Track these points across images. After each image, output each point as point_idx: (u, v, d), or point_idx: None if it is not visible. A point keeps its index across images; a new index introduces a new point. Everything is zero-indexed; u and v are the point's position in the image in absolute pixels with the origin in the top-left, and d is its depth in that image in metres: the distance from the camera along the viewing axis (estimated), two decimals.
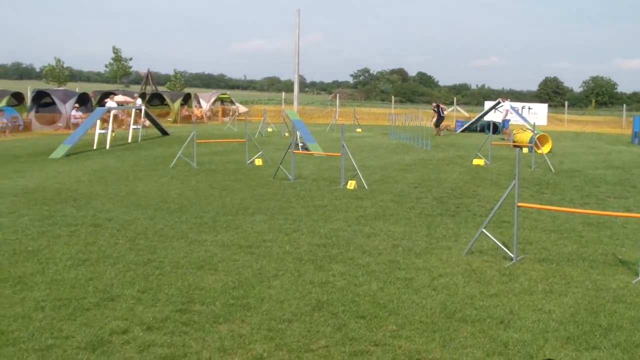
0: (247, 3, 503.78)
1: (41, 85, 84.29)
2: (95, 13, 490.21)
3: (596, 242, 12.72)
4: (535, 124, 35.25)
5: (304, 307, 8.53)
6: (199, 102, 61.67)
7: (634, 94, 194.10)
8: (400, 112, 69.51)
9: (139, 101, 44.72)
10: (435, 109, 48.30)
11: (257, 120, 51.22)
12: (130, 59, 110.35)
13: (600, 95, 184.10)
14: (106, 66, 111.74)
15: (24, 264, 10.37)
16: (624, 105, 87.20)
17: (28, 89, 53.33)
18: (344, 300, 8.85)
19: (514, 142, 32.74)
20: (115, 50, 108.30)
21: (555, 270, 10.66)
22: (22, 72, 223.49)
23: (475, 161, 26.45)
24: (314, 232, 13.00)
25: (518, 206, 11.14)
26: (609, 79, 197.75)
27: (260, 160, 24.48)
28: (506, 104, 47.16)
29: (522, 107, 67.05)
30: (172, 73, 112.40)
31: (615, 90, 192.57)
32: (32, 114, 45.71)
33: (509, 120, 46.52)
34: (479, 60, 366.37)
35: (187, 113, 58.83)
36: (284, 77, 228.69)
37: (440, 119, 47.65)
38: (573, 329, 7.96)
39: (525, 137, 34.56)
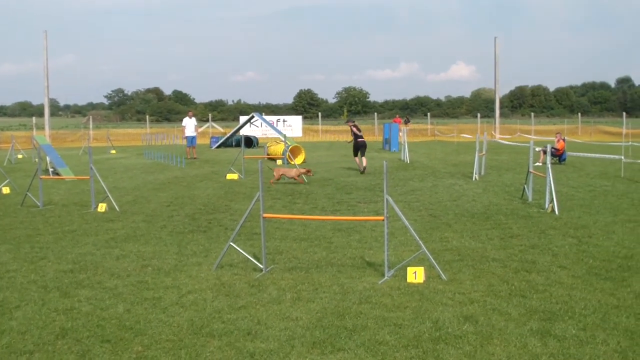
0: None
1: None
2: None
3: (345, 247, 13.05)
4: (288, 135, 35.88)
5: (46, 337, 8.20)
6: None
7: (385, 102, 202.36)
8: (154, 131, 69.19)
9: None
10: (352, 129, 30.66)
11: (7, 147, 49.41)
12: None
13: (354, 104, 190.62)
14: None
15: None
16: (376, 113, 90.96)
17: None
18: (89, 325, 8.59)
19: (268, 154, 33.16)
20: None
21: (304, 277, 10.80)
22: None
23: (229, 176, 26.63)
24: (61, 259, 12.58)
25: (263, 217, 11.24)
26: (361, 89, 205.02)
27: (7, 188, 23.52)
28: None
29: (277, 120, 68.29)
30: None
31: (367, 100, 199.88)
32: None
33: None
34: (236, 76, 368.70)
35: None
36: (36, 102, 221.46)
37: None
38: (319, 334, 8.07)
39: (278, 149, 35.15)
